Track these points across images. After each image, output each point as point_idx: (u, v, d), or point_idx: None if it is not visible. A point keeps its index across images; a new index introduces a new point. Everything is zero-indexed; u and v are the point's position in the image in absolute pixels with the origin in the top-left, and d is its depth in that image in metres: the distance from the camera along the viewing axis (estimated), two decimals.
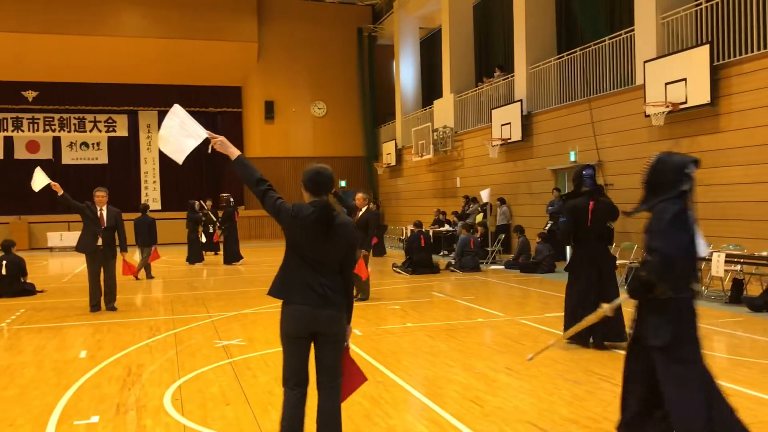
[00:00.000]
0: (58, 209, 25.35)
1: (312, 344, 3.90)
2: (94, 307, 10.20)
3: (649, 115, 12.50)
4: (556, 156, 16.12)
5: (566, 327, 7.31)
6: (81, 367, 6.65)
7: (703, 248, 3.76)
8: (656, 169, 3.83)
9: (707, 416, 3.55)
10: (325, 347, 3.89)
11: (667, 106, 12.01)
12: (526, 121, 17.20)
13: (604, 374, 6.01)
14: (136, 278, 13.89)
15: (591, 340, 7.09)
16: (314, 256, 3.84)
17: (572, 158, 15.21)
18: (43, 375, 6.38)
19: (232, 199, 18.46)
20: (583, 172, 7.26)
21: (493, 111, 18.53)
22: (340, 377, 3.95)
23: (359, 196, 10.80)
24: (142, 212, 14.94)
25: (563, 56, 16.16)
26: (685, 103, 11.81)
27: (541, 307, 10.02)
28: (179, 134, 4.22)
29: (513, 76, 18.24)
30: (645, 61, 12.76)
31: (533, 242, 15.20)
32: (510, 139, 17.55)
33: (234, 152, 4.02)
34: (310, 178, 3.95)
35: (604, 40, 14.59)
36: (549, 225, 15.51)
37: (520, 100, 17.34)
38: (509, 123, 17.58)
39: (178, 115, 4.26)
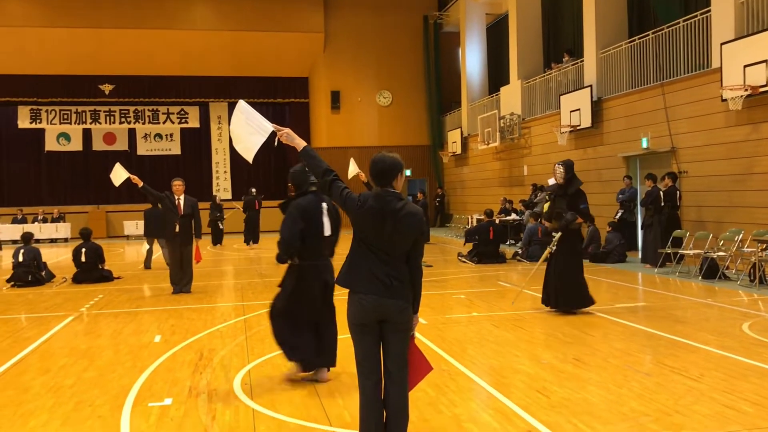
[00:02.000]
0: (135, 199, 26.38)
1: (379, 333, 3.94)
2: (176, 288, 10.80)
3: (726, 100, 12.00)
4: (627, 142, 15.69)
5: (579, 298, 8.53)
6: (155, 351, 6.90)
7: (326, 228, 5.60)
8: (291, 177, 5.67)
9: (294, 344, 5.62)
10: (392, 336, 3.90)
11: (746, 90, 11.51)
12: (596, 107, 16.79)
13: (676, 366, 5.84)
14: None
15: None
16: (381, 246, 3.84)
17: (644, 145, 14.77)
18: (120, 358, 6.64)
19: (253, 190, 20.94)
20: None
21: (561, 97, 18.16)
22: (407, 366, 3.96)
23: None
24: (153, 205, 14.28)
25: (635, 40, 15.67)
26: (766, 86, 11.29)
27: (611, 297, 9.79)
28: (246, 131, 4.28)
29: (582, 61, 17.82)
30: (722, 43, 12.25)
31: (603, 231, 14.88)
32: (579, 125, 17.18)
33: (300, 143, 4.06)
34: (372, 166, 3.94)
35: (678, 23, 14.07)
36: (620, 214, 15.13)
37: (590, 86, 16.93)
38: (578, 109, 17.20)
39: (243, 111, 4.32)
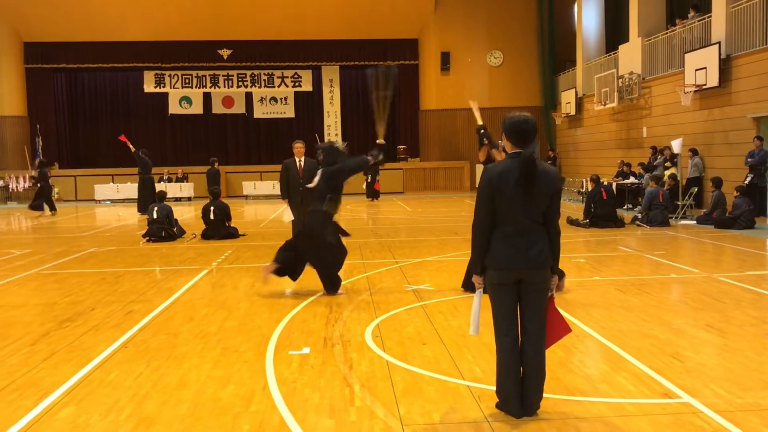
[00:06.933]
0: (252, 160, 27.43)
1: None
2: None
3: None
4: (758, 102, 14.80)
5: None
6: (288, 303, 7.27)
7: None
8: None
9: None
10: (529, 295, 3.99)
11: None
12: (725, 65, 15.88)
13: None
14: None
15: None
16: (518, 207, 3.91)
17: None
18: (256, 309, 7.05)
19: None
20: None
21: (686, 55, 17.28)
22: (544, 325, 4.03)
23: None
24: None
25: None
26: None
27: (739, 264, 9.39)
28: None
29: (710, 16, 16.85)
30: None
31: (730, 196, 14.18)
32: (705, 85, 16.33)
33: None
34: (513, 126, 3.98)
35: None
36: (749, 178, 14.37)
37: (718, 43, 16.00)
38: (704, 68, 16.33)
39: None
